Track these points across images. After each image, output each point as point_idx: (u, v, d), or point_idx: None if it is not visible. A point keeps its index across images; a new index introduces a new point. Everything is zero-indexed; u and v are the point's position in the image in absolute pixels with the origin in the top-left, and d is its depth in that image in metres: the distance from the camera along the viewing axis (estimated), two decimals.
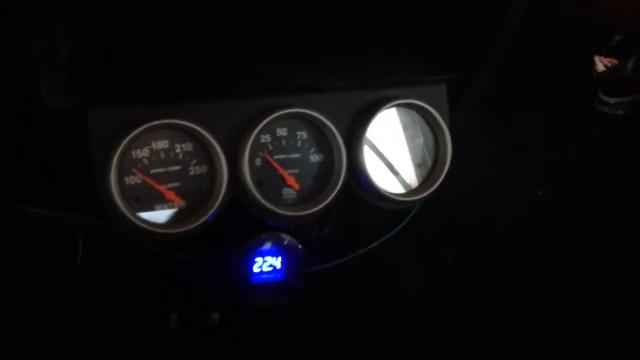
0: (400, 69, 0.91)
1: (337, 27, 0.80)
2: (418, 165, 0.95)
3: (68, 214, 0.97)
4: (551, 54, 1.06)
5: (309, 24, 0.79)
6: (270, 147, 0.89)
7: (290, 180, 0.90)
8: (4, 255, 0.98)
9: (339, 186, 0.89)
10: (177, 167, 0.85)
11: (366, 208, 0.96)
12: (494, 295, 1.17)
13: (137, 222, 0.82)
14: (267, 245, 0.96)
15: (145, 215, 0.84)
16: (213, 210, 0.85)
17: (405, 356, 1.13)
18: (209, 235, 0.87)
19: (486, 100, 1.02)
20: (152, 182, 0.84)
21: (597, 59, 1.01)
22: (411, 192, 0.95)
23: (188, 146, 0.85)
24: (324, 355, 1.09)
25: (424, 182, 0.95)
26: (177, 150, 0.85)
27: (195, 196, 0.86)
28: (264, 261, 0.97)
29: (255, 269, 0.97)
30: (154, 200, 0.85)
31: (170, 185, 0.85)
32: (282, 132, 0.89)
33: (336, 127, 0.88)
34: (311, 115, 0.87)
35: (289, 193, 0.90)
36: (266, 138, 0.88)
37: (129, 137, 0.80)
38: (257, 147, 0.88)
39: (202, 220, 0.84)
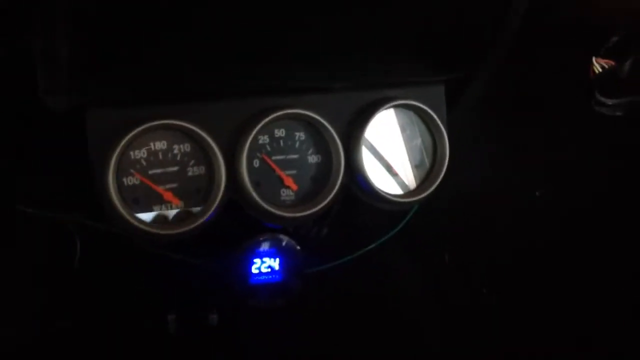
0: (400, 69, 0.91)
1: (337, 28, 0.80)
2: (416, 166, 0.95)
3: (66, 215, 0.97)
4: (551, 54, 1.06)
5: (308, 24, 0.79)
6: (269, 148, 0.89)
7: (289, 181, 0.90)
8: (4, 255, 0.98)
9: (337, 187, 0.89)
10: (175, 168, 0.85)
11: (364, 209, 0.96)
12: (494, 295, 1.17)
13: (135, 223, 0.82)
14: (266, 247, 0.96)
15: (144, 216, 0.84)
16: (211, 211, 0.85)
17: (405, 356, 1.13)
18: (207, 236, 0.88)
19: (486, 100, 1.02)
20: (150, 183, 0.84)
21: (594, 60, 1.01)
22: (409, 193, 0.95)
23: (186, 147, 0.85)
24: (323, 356, 1.09)
25: (422, 183, 0.95)
26: (175, 151, 0.85)
27: (193, 197, 0.86)
28: (263, 262, 0.97)
29: (254, 270, 0.97)
30: (152, 201, 0.85)
31: (168, 186, 0.85)
32: (280, 133, 0.89)
33: (334, 128, 0.88)
34: (309, 116, 0.87)
35: (287, 194, 0.90)
36: (264, 139, 0.88)
37: (127, 138, 0.80)
38: (255, 148, 0.88)
39: (200, 221, 0.84)
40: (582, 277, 1.14)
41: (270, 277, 0.98)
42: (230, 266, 0.97)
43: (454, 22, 0.84)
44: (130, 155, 0.83)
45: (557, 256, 1.16)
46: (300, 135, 0.90)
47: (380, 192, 0.90)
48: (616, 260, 1.13)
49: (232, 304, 1.02)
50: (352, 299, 1.13)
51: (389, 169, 0.94)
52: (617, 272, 1.13)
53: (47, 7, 0.67)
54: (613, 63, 1.00)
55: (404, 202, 0.94)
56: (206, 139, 0.83)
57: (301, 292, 1.01)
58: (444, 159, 0.94)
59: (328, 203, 0.89)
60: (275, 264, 0.97)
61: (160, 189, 0.85)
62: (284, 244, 0.97)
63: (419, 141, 0.95)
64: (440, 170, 0.94)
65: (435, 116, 0.92)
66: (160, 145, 0.85)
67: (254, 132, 0.85)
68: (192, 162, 0.86)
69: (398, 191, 0.94)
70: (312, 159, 0.91)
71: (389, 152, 0.94)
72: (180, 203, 0.86)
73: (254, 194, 0.86)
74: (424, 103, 0.91)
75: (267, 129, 0.88)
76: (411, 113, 0.94)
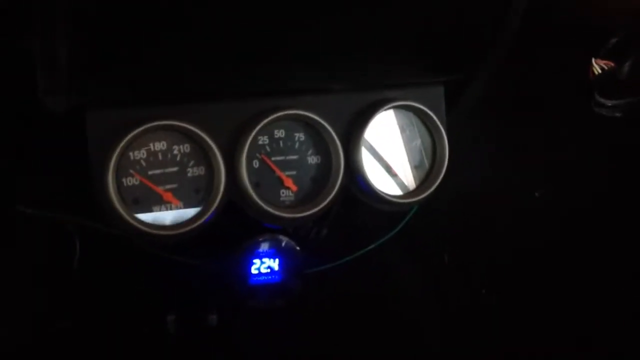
0: (399, 70, 0.91)
1: (336, 28, 0.80)
2: (415, 167, 0.95)
3: (66, 215, 0.97)
4: (551, 54, 1.06)
5: (308, 25, 0.79)
6: (268, 149, 0.89)
7: (288, 182, 0.89)
8: (3, 255, 0.98)
9: (336, 188, 0.89)
10: (175, 169, 0.85)
11: (364, 210, 0.96)
12: (494, 295, 1.17)
13: (135, 223, 0.82)
14: (265, 247, 0.96)
15: (143, 216, 0.84)
16: (211, 211, 0.85)
17: (405, 357, 1.13)
18: (206, 236, 0.88)
19: (486, 100, 1.02)
20: (149, 184, 0.84)
21: (593, 61, 1.01)
22: (409, 193, 0.95)
23: (186, 147, 0.85)
24: (322, 357, 1.10)
25: (422, 184, 0.95)
26: (175, 152, 0.85)
27: (193, 198, 0.86)
28: (262, 263, 0.97)
29: (253, 270, 0.97)
30: (152, 202, 0.85)
31: (168, 186, 0.85)
32: (279, 133, 0.89)
33: (334, 128, 0.88)
34: (309, 117, 0.87)
35: (286, 195, 0.90)
36: (264, 139, 0.88)
37: (126, 139, 0.80)
38: (255, 148, 0.88)
39: (200, 221, 0.84)
40: (582, 277, 1.14)
41: (270, 277, 0.98)
42: (230, 267, 0.97)
43: (454, 22, 0.84)
44: (129, 156, 0.83)
45: (557, 256, 1.16)
46: (300, 136, 0.90)
47: (379, 192, 0.90)
48: (616, 260, 1.13)
49: (232, 304, 1.02)
50: (352, 299, 1.13)
51: (389, 169, 0.94)
52: (617, 272, 1.13)
53: (47, 7, 0.67)
54: (612, 64, 1.00)
55: (404, 203, 0.94)
56: (206, 140, 0.83)
57: (301, 292, 1.01)
58: (444, 159, 0.94)
59: (328, 204, 0.89)
60: (274, 264, 0.98)
61: (159, 189, 0.84)
62: (283, 244, 0.97)
63: (418, 142, 0.95)
64: (440, 171, 0.94)
65: (434, 117, 0.92)
66: (159, 145, 0.84)
67: (253, 133, 0.85)
68: (192, 162, 0.86)
69: (397, 192, 0.94)
70: (312, 159, 0.91)
71: (389, 153, 0.94)
72: (180, 204, 0.85)
73: (254, 195, 0.86)
74: (423, 104, 0.91)
75: (267, 130, 0.88)
76: (411, 114, 0.94)
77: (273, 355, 1.08)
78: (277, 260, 0.97)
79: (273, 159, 0.89)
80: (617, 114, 1.02)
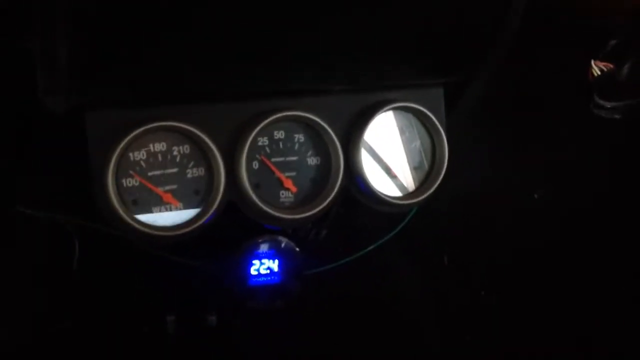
0: (400, 71, 0.91)
1: (337, 28, 0.80)
2: (415, 169, 0.95)
3: (66, 215, 0.97)
4: (551, 54, 1.06)
5: (308, 25, 0.79)
6: (268, 150, 0.89)
7: (288, 183, 0.89)
8: (3, 255, 0.98)
9: (336, 189, 0.89)
10: (175, 170, 0.85)
11: (363, 211, 0.96)
12: (494, 296, 1.17)
13: (135, 224, 0.82)
14: (264, 248, 0.96)
15: (143, 217, 0.84)
16: (210, 212, 0.85)
17: (405, 357, 1.13)
18: (206, 237, 0.88)
19: (486, 101, 1.02)
20: (149, 185, 0.84)
21: (593, 63, 1.01)
22: (408, 195, 0.95)
23: (185, 148, 0.85)
24: (322, 357, 1.10)
25: (421, 185, 0.95)
26: (175, 153, 0.85)
27: (192, 199, 0.86)
28: (261, 264, 0.97)
29: (253, 271, 0.97)
30: (152, 203, 0.85)
31: (167, 187, 0.85)
32: (279, 134, 0.89)
33: (333, 130, 0.88)
34: (308, 118, 0.87)
35: (286, 196, 0.90)
36: (264, 141, 0.88)
37: (126, 139, 0.80)
38: (255, 149, 0.88)
39: (199, 222, 0.84)
40: (582, 277, 1.14)
41: (269, 278, 0.98)
42: (229, 268, 0.98)
43: (454, 22, 0.84)
44: (129, 157, 0.83)
45: (557, 256, 1.16)
46: (300, 137, 0.90)
47: (379, 194, 0.91)
48: (616, 260, 1.13)
49: (231, 305, 1.02)
50: (351, 300, 1.13)
51: (388, 171, 0.94)
52: (617, 272, 1.13)
53: (47, 7, 0.67)
54: (612, 66, 1.00)
55: (403, 204, 0.94)
56: (205, 141, 0.83)
57: (300, 293, 1.01)
58: (443, 161, 0.93)
59: (327, 205, 0.89)
60: (274, 265, 0.98)
61: (159, 190, 0.84)
62: (282, 245, 0.97)
63: (418, 143, 0.95)
64: (439, 173, 0.94)
65: (434, 118, 0.92)
66: (159, 146, 0.84)
67: (253, 134, 0.85)
68: (192, 163, 0.86)
69: (397, 193, 0.94)
70: (312, 161, 0.91)
71: (388, 154, 0.94)
72: (180, 205, 0.85)
73: (253, 196, 0.86)
74: (423, 105, 0.91)
75: (267, 131, 0.88)
76: (410, 115, 0.94)
77: (272, 356, 1.08)
78: (276, 261, 0.97)
79: (273, 160, 0.89)
80: (616, 116, 1.02)
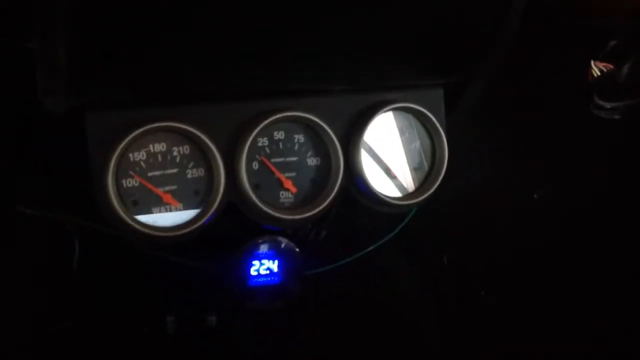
0: (400, 71, 0.91)
1: (337, 28, 0.80)
2: (415, 169, 0.95)
3: (66, 215, 0.97)
4: (551, 54, 1.06)
5: (308, 25, 0.79)
6: (268, 151, 0.89)
7: (288, 184, 0.90)
8: (3, 255, 0.98)
9: (336, 190, 0.89)
10: (175, 170, 0.85)
11: (363, 211, 0.96)
12: (494, 296, 1.17)
13: (134, 225, 0.82)
14: (264, 249, 0.96)
15: (143, 218, 0.84)
16: (210, 213, 0.85)
17: (405, 358, 1.13)
18: (206, 238, 0.88)
19: (486, 101, 1.02)
20: (149, 185, 0.84)
21: (592, 63, 1.01)
22: (408, 195, 0.95)
23: (185, 149, 0.85)
24: (322, 358, 1.10)
25: (421, 186, 0.95)
26: (175, 153, 0.85)
27: (192, 199, 0.86)
28: (261, 264, 0.97)
29: (253, 272, 0.98)
30: (152, 203, 0.85)
31: (167, 188, 0.85)
32: (279, 135, 0.89)
33: (333, 130, 0.88)
34: (308, 119, 0.87)
35: (286, 196, 0.90)
36: (263, 141, 0.88)
37: (126, 140, 0.80)
38: (255, 150, 0.88)
39: (199, 223, 0.84)
40: (582, 277, 1.14)
41: (269, 279, 0.99)
42: (229, 268, 0.98)
43: (454, 22, 0.84)
44: (129, 157, 0.83)
45: (557, 256, 1.16)
46: (300, 137, 0.90)
47: (379, 194, 0.91)
48: (616, 260, 1.13)
49: (231, 305, 1.02)
50: (351, 301, 1.13)
51: (388, 171, 0.94)
52: (617, 272, 1.13)
53: (47, 7, 0.67)
54: (611, 67, 1.00)
55: (403, 205, 0.94)
56: (205, 141, 0.83)
57: (300, 294, 1.01)
58: (443, 162, 0.94)
59: (327, 205, 0.89)
60: (274, 266, 0.98)
61: (159, 191, 0.85)
62: (282, 246, 0.97)
63: (417, 144, 0.95)
64: (439, 173, 0.94)
65: (434, 119, 0.92)
66: (159, 147, 0.84)
67: (253, 135, 0.85)
68: (192, 164, 0.86)
69: (397, 194, 0.94)
70: (311, 161, 0.91)
71: (388, 154, 0.94)
72: (180, 205, 0.86)
73: (253, 196, 0.86)
74: (422, 106, 0.91)
75: (267, 132, 0.88)
76: (410, 116, 0.94)
77: (272, 356, 1.07)
78: (276, 261, 0.98)
79: (273, 160, 0.89)
80: (616, 116, 1.02)
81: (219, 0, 0.72)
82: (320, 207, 0.89)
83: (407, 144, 0.95)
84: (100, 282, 1.02)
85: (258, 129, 0.85)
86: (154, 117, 0.82)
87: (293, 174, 0.90)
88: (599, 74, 1.01)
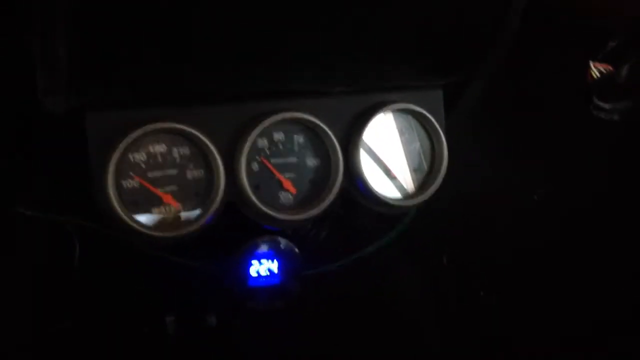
0: (400, 72, 0.91)
1: (337, 28, 0.80)
2: (414, 170, 0.95)
3: (66, 216, 0.97)
4: (551, 54, 1.06)
5: (308, 25, 0.79)
6: (268, 152, 0.89)
7: (287, 185, 0.90)
8: (3, 255, 0.98)
9: (335, 190, 0.89)
10: (174, 171, 0.85)
11: (363, 212, 0.96)
12: (494, 296, 1.17)
13: (135, 225, 0.82)
14: (264, 249, 0.96)
15: (143, 218, 0.84)
16: (210, 214, 0.85)
17: (405, 358, 1.13)
18: (206, 238, 0.88)
19: (486, 101, 1.02)
20: (149, 186, 0.84)
21: (592, 64, 1.01)
22: (408, 196, 0.95)
23: (185, 150, 0.85)
24: (322, 358, 1.10)
25: (421, 187, 0.95)
26: (175, 154, 0.85)
27: (192, 200, 0.86)
28: (261, 264, 0.97)
29: (252, 272, 0.98)
30: (151, 204, 0.85)
31: (167, 188, 0.85)
32: (279, 136, 0.89)
33: (333, 131, 0.88)
34: (308, 120, 0.87)
35: (286, 197, 0.90)
36: (263, 142, 0.88)
37: (126, 141, 0.80)
38: (255, 151, 0.88)
39: (199, 223, 0.84)
40: (582, 277, 1.14)
41: (269, 279, 0.99)
42: (229, 268, 0.98)
43: (454, 22, 0.84)
44: (129, 158, 0.83)
45: (557, 256, 1.16)
46: (299, 138, 0.90)
47: (378, 195, 0.91)
48: (616, 261, 1.13)
49: (231, 305, 1.02)
50: (351, 301, 1.13)
51: (388, 172, 0.94)
52: (617, 272, 1.13)
53: (47, 7, 0.67)
54: (611, 68, 1.00)
55: (402, 206, 0.94)
56: (205, 142, 0.84)
57: (299, 294, 1.01)
58: (442, 163, 0.94)
59: (327, 206, 0.89)
60: (273, 266, 0.98)
61: (159, 191, 0.84)
62: (282, 246, 0.97)
63: (417, 145, 0.95)
64: (439, 174, 0.94)
65: (433, 120, 0.92)
66: (159, 148, 0.84)
67: (253, 136, 0.85)
68: (191, 165, 0.86)
69: (396, 195, 0.94)
70: (311, 162, 0.91)
71: (388, 155, 0.94)
72: (179, 206, 0.86)
73: (253, 197, 0.86)
74: (422, 107, 0.91)
75: (266, 133, 0.88)
76: (410, 117, 0.94)
77: (272, 356, 1.07)
78: (276, 262, 0.98)
79: (272, 161, 0.89)
80: (616, 117, 1.02)
81: (219, 0, 0.72)
82: (320, 208, 0.89)
83: (406, 145, 0.94)
84: (100, 282, 1.02)
85: (258, 130, 0.85)
86: (154, 118, 0.82)
87: (293, 175, 0.90)
88: (598, 75, 1.01)
